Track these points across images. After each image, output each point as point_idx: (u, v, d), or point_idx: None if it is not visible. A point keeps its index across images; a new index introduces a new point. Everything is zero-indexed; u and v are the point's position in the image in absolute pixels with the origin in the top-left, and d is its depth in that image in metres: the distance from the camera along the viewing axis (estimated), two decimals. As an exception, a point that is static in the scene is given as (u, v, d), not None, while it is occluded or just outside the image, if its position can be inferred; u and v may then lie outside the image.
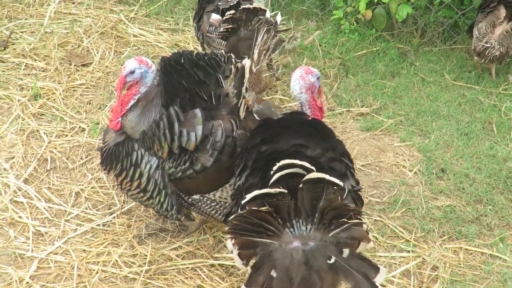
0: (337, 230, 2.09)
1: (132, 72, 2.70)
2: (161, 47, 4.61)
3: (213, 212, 2.81)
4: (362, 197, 2.49)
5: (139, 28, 4.83)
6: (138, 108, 2.77)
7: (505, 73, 4.55)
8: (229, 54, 2.92)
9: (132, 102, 2.76)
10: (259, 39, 2.75)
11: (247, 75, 2.64)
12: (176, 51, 3.28)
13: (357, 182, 2.45)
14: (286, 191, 2.08)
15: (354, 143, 3.74)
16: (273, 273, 2.05)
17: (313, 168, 2.11)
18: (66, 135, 3.65)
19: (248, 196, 2.12)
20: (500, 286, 2.85)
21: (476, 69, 4.56)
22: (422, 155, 3.67)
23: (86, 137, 3.63)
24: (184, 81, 2.69)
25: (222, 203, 2.78)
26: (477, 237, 3.13)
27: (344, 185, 2.16)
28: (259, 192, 2.11)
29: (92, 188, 3.29)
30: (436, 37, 4.93)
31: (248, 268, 2.17)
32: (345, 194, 2.22)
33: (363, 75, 4.44)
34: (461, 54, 4.83)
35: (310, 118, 2.58)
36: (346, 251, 2.09)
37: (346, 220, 2.09)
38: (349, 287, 2.09)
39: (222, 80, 2.72)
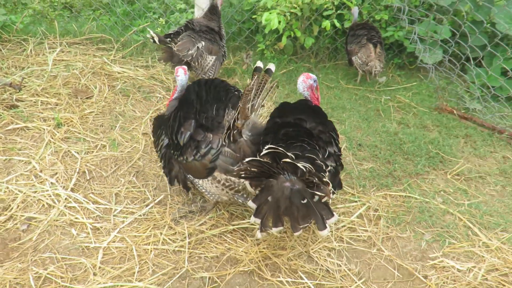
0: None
1: (177, 76, 2.78)
2: (141, 79, 4.28)
3: (203, 191, 2.66)
4: (341, 161, 2.57)
5: (120, 67, 4.44)
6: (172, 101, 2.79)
7: (374, 77, 4.70)
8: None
9: (175, 95, 2.81)
10: (262, 92, 2.50)
11: (242, 116, 2.47)
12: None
13: (339, 149, 2.51)
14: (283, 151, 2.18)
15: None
16: (269, 199, 2.21)
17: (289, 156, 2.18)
18: (93, 152, 3.27)
19: (264, 150, 2.23)
20: (421, 214, 2.95)
21: (357, 76, 4.70)
22: (344, 136, 3.70)
23: (109, 151, 3.29)
24: (198, 100, 2.60)
25: (208, 189, 2.63)
26: (393, 185, 3.21)
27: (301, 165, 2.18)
28: (269, 146, 2.23)
29: (126, 188, 2.98)
30: (325, 57, 5.02)
31: (257, 191, 2.31)
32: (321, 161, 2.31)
33: (289, 86, 4.41)
34: (343, 67, 4.96)
35: (312, 104, 2.61)
36: (316, 198, 2.20)
37: (319, 181, 2.20)
38: (313, 222, 2.21)
39: (228, 110, 2.61)
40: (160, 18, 5.00)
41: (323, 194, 2.18)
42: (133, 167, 3.16)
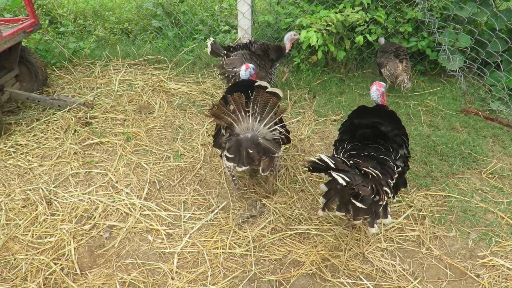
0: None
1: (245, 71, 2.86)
2: (194, 94, 4.10)
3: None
4: (409, 163, 2.46)
5: (175, 84, 4.28)
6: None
7: (403, 89, 4.37)
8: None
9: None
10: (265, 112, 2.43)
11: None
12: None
13: (408, 152, 2.33)
14: None
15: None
16: (338, 186, 2.05)
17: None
18: (159, 163, 3.11)
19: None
20: (463, 213, 2.69)
21: (386, 84, 4.40)
22: (381, 140, 3.44)
23: (174, 162, 3.13)
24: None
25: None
26: (432, 185, 2.95)
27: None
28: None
29: (193, 196, 2.81)
30: (354, 67, 4.73)
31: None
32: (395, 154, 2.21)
33: (325, 95, 4.14)
34: (370, 75, 4.66)
35: (389, 109, 2.39)
36: (376, 198, 2.07)
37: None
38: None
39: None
40: (207, 40, 4.80)
41: (379, 198, 2.04)
42: (196, 176, 2.99)
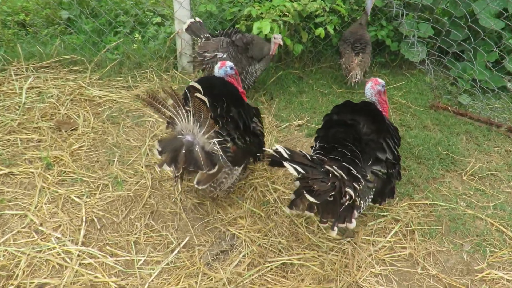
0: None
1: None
2: (127, 102, 3.84)
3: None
4: (399, 168, 2.54)
5: (100, 90, 3.98)
6: None
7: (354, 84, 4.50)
8: None
9: None
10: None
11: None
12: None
13: (395, 157, 2.44)
14: None
15: (304, 147, 3.48)
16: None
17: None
18: (95, 194, 2.84)
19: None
20: (452, 223, 2.82)
21: (345, 79, 4.52)
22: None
23: (114, 191, 2.87)
24: None
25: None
26: (414, 193, 3.06)
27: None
28: None
29: (145, 234, 2.60)
30: (309, 61, 4.79)
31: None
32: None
33: (283, 96, 4.14)
34: (327, 70, 4.75)
35: (374, 108, 2.48)
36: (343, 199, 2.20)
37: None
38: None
39: None
40: (136, 34, 4.55)
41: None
42: (145, 207, 2.78)
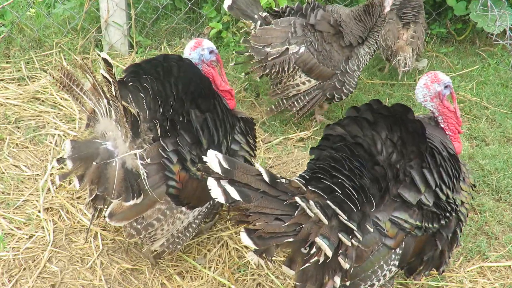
0: None
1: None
2: (17, 105, 3.94)
3: None
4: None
5: (-28, 86, 4.11)
6: None
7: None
8: None
9: None
10: None
11: None
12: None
13: (438, 203, 2.44)
14: None
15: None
16: None
17: None
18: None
19: None
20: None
21: (382, 63, 4.68)
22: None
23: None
24: None
25: None
26: (489, 249, 3.14)
27: None
28: None
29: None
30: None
31: None
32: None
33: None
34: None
35: (410, 117, 2.48)
36: None
37: None
38: None
39: None
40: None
41: None
42: (43, 279, 2.86)
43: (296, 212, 2.19)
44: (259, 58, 3.77)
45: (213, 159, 2.12)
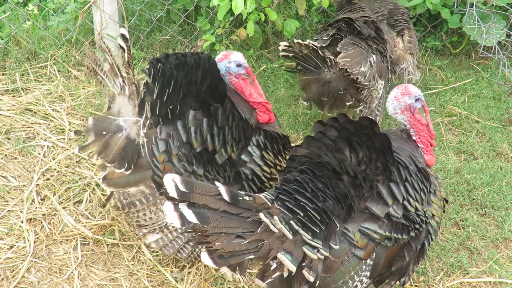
0: None
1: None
2: (9, 116, 3.99)
3: None
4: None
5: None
6: None
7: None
8: None
9: None
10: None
11: None
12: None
13: (407, 215, 2.44)
14: None
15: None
16: None
17: None
18: None
19: None
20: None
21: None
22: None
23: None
24: None
25: None
26: (471, 264, 3.14)
27: None
28: None
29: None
30: (316, 45, 4.93)
31: None
32: None
33: (274, 104, 4.25)
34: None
35: (375, 130, 2.43)
36: None
37: None
38: None
39: None
40: (30, 5, 4.73)
41: None
42: (21, 288, 2.90)
43: (259, 228, 2.21)
44: (357, 78, 3.50)
45: (170, 183, 2.13)
